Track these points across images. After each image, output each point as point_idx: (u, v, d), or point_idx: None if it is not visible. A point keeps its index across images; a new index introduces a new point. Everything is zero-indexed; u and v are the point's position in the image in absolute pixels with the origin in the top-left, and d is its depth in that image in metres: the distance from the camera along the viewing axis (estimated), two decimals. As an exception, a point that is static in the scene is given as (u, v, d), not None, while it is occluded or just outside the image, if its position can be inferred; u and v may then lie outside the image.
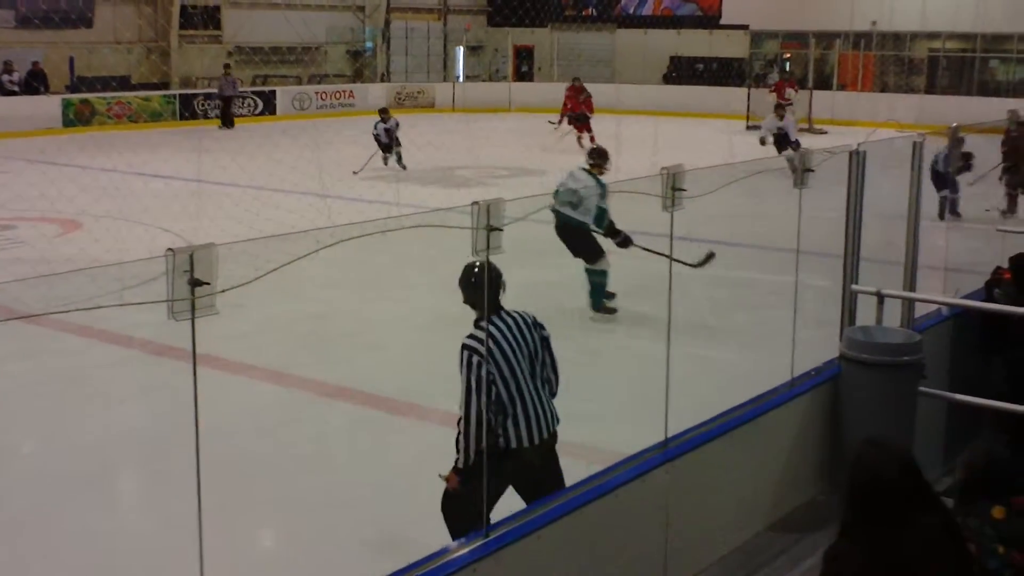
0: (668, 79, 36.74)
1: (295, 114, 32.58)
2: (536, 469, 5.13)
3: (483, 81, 39.59)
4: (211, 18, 33.90)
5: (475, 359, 4.93)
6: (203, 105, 31.14)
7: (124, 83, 31.00)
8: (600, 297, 10.23)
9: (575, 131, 24.96)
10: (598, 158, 10.48)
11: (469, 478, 5.05)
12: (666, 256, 9.26)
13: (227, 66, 31.39)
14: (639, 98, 31.52)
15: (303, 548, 5.86)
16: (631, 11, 38.81)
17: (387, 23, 38.20)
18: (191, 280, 3.61)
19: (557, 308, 10.79)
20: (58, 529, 5.98)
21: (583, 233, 10.01)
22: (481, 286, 5.11)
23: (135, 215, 14.92)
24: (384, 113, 21.42)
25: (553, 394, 5.26)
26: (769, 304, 9.24)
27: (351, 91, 35.19)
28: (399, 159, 20.91)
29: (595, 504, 4.97)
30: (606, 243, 10.17)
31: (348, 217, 13.87)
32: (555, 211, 10.01)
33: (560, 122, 25.60)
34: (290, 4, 34.82)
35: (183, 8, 32.62)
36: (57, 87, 29.35)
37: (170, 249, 3.61)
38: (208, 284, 3.63)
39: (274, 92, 33.03)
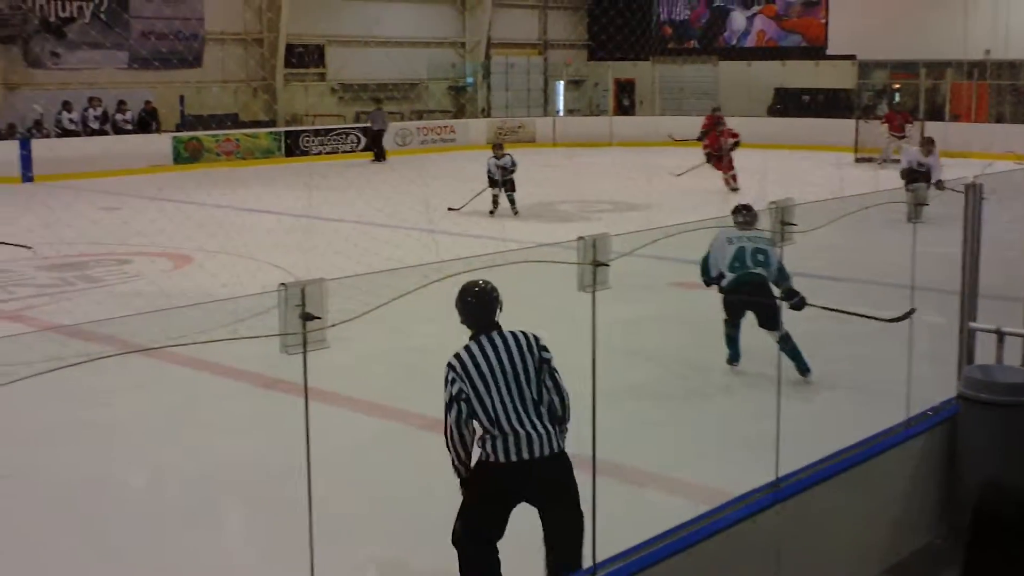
0: (773, 111, 36.39)
1: (397, 150, 32.93)
2: (536, 490, 5.08)
3: (584, 115, 39.67)
4: (316, 56, 34.56)
5: (450, 375, 5.11)
6: (308, 141, 31.71)
7: (232, 120, 31.75)
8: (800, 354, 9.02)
9: (721, 171, 23.21)
10: (749, 216, 9.54)
11: (468, 502, 5.14)
12: (854, 314, 9.07)
13: (378, 101, 32.57)
14: (744, 130, 31.10)
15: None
16: (734, 43, 38.60)
17: (488, 58, 38.54)
18: (303, 314, 3.66)
19: (661, 345, 10.72)
20: (168, 560, 6.05)
21: (770, 293, 9.05)
22: (475, 307, 5.23)
23: (245, 250, 15.19)
24: (498, 149, 19.98)
25: (561, 419, 5.14)
26: (881, 341, 9.02)
27: (452, 126, 35.53)
28: (512, 203, 19.55)
29: (704, 544, 4.89)
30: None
31: (454, 252, 13.94)
32: (744, 274, 9.09)
33: (709, 160, 23.76)
34: (392, 42, 35.35)
35: (288, 47, 33.30)
36: (168, 125, 30.14)
37: (282, 284, 3.64)
38: (319, 318, 3.67)
39: (377, 128, 33.46)
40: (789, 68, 36.62)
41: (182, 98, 31.10)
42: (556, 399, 5.11)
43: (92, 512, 6.73)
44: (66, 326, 10.43)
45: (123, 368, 8.45)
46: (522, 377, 5.03)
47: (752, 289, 9.07)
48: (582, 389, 5.16)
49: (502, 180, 19.55)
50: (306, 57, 34.08)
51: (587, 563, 4.95)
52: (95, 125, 28.08)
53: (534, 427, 4.99)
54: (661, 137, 30.00)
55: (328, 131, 32.43)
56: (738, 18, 38.41)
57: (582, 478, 5.02)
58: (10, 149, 25.83)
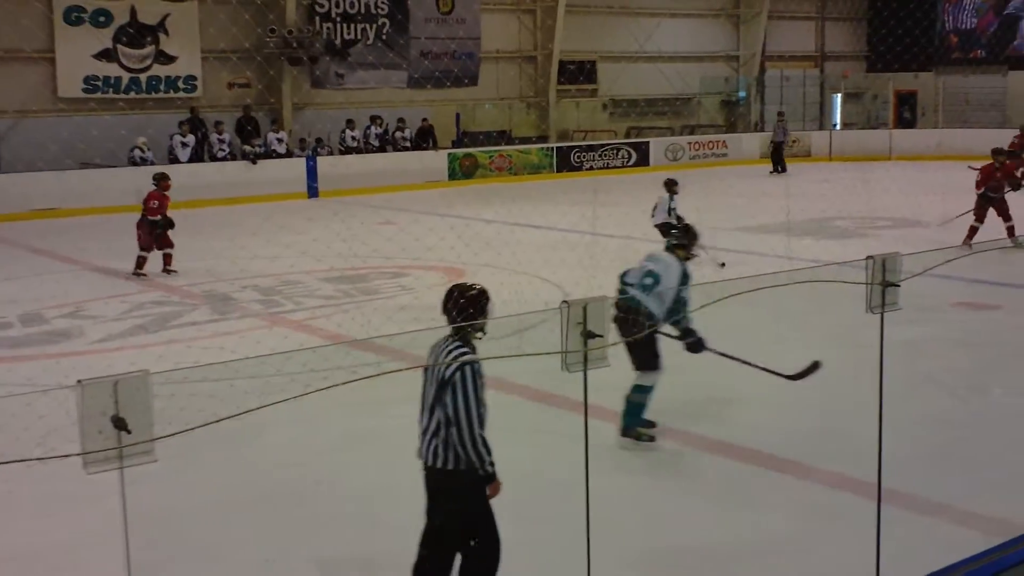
0: (1070, 125, 34.06)
1: (667, 165, 32.81)
2: (431, 493, 5.15)
3: (861, 128, 38.36)
4: (587, 73, 34.86)
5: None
6: (580, 157, 32.01)
7: (505, 137, 32.44)
8: (637, 417, 7.99)
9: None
10: (685, 238, 8.31)
11: None
12: (753, 365, 7.89)
13: (781, 114, 33.23)
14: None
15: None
16: (1027, 51, 36.50)
17: (762, 72, 37.89)
18: (584, 332, 3.62)
19: (945, 367, 10.16)
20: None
21: (639, 322, 7.61)
22: (449, 311, 5.11)
23: (516, 265, 15.41)
24: (671, 186, 16.01)
25: (460, 440, 4.94)
26: None
27: (724, 141, 35.11)
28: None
29: (999, 582, 4.57)
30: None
31: (738, 271, 13.71)
32: (621, 293, 7.94)
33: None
34: (664, 57, 35.28)
35: (561, 64, 33.76)
36: (444, 142, 31.08)
37: (564, 301, 3.61)
38: (601, 336, 3.62)
39: (647, 144, 33.45)
40: (1088, 75, 34.25)
41: (458, 116, 32.03)
42: (451, 417, 4.95)
43: (378, 517, 6.90)
44: (359, 340, 10.78)
45: (396, 381, 8.69)
46: (430, 386, 5.05)
47: (622, 314, 7.54)
48: (866, 414, 4.92)
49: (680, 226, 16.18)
50: (578, 73, 34.46)
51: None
52: (375, 143, 29.29)
53: (424, 436, 5.07)
54: (944, 151, 28.68)
55: (599, 146, 32.66)
56: (1032, 25, 36.28)
57: (866, 504, 4.76)
58: (298, 166, 27.29)
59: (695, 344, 8.03)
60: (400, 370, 4.50)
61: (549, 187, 28.11)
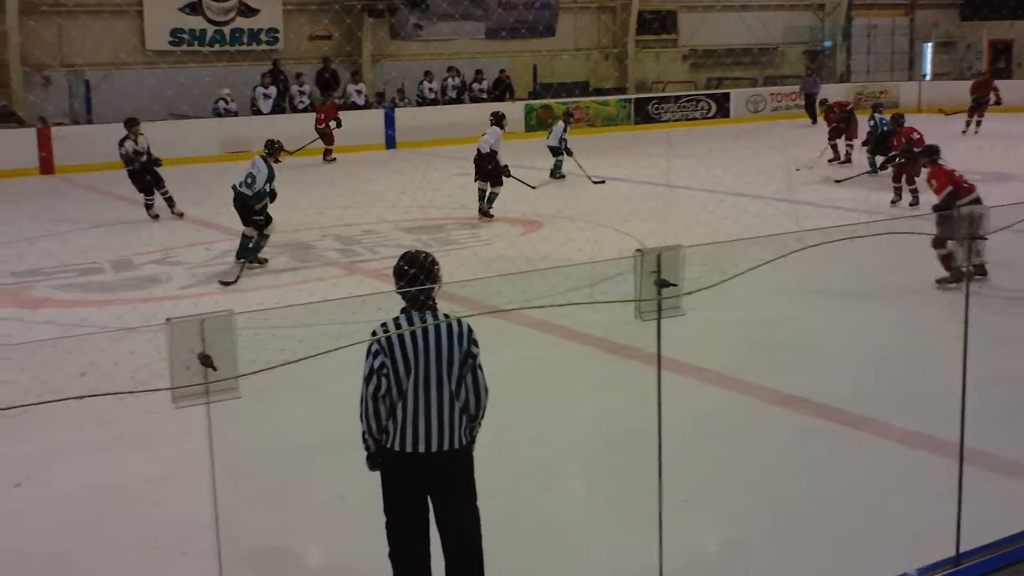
0: None
1: (748, 116, 32.38)
2: (432, 483, 4.71)
3: (953, 79, 37.39)
4: (667, 23, 34.44)
5: (373, 347, 4.58)
6: (658, 108, 31.69)
7: (583, 88, 32.19)
8: (247, 250, 13.06)
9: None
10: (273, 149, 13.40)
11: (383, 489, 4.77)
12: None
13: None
14: None
15: (747, 556, 5.69)
16: None
17: (848, 20, 37.08)
18: (658, 281, 3.59)
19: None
20: (512, 518, 6.15)
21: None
22: (412, 278, 4.66)
23: (593, 216, 15.37)
24: (568, 117, 16.60)
25: (472, 419, 4.74)
26: None
27: (808, 92, 34.49)
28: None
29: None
30: None
31: (814, 222, 13.52)
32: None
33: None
34: (747, 6, 34.68)
35: (640, 14, 33.37)
36: (521, 93, 30.93)
37: (638, 250, 3.59)
38: (675, 285, 3.59)
39: (727, 95, 33.01)
40: None
41: (535, 67, 31.84)
42: (473, 398, 4.72)
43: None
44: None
45: (476, 328, 8.72)
46: (444, 366, 4.63)
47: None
48: (950, 372, 4.84)
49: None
50: (657, 24, 34.06)
51: (948, 552, 4.63)
52: (453, 94, 29.26)
53: (440, 420, 4.63)
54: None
55: (678, 98, 32.30)
56: None
57: (944, 463, 4.69)
58: (376, 117, 27.40)
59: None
60: (473, 314, 4.51)
61: (628, 139, 27.90)
